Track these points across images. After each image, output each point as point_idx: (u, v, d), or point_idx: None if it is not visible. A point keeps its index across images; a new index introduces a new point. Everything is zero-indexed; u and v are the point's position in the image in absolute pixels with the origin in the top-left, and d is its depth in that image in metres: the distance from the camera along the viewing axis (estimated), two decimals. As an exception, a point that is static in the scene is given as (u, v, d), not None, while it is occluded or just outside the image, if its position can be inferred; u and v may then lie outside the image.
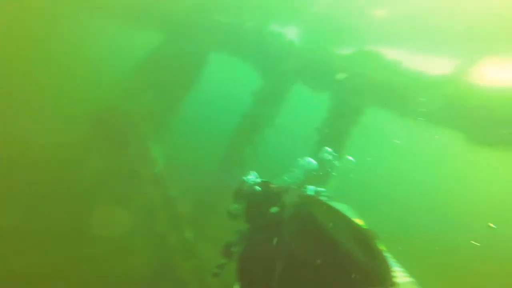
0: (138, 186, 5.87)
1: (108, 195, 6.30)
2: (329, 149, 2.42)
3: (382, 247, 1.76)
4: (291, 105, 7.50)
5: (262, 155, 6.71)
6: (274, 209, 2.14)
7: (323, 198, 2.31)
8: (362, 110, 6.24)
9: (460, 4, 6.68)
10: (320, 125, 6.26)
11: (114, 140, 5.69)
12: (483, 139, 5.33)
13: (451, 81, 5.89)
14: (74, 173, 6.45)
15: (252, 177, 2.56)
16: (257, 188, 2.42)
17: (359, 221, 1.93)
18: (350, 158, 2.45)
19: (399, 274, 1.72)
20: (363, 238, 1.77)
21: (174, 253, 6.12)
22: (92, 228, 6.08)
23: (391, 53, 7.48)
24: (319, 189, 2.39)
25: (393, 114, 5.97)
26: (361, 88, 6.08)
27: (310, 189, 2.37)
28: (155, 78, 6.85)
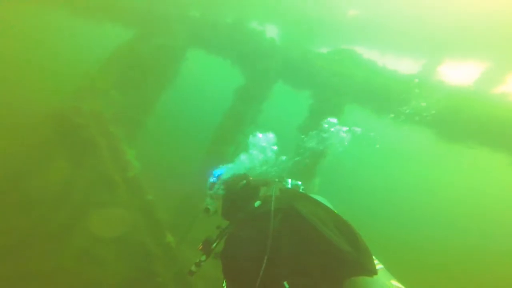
0: (111, 192, 5.44)
1: (77, 203, 5.80)
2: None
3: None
4: (273, 104, 7.46)
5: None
6: (257, 203, 2.13)
7: (301, 190, 2.33)
8: (342, 108, 6.37)
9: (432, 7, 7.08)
10: (301, 123, 6.30)
11: (80, 142, 5.16)
12: (454, 138, 5.74)
13: (425, 82, 6.24)
14: (33, 180, 5.83)
15: (224, 170, 2.49)
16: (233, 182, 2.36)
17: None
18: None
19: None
20: (346, 228, 1.81)
21: (155, 260, 5.84)
22: (62, 238, 5.60)
23: (367, 52, 7.78)
24: (296, 182, 2.42)
25: (371, 112, 6.19)
26: (341, 87, 6.20)
27: (289, 182, 2.38)
28: (127, 75, 6.36)
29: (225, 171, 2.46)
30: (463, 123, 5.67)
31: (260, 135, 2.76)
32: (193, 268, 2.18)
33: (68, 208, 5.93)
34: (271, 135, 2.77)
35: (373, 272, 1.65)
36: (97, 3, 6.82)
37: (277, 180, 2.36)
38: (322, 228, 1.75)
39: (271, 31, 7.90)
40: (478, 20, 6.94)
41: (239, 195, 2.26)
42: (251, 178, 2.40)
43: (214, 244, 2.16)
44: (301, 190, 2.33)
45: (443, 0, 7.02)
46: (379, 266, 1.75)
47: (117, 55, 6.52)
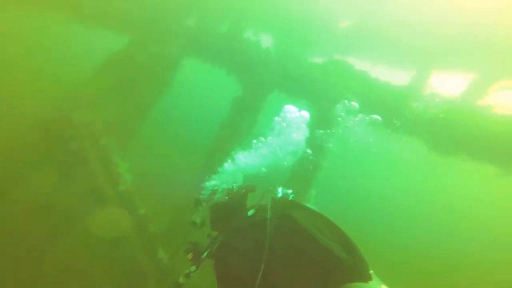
0: (101, 206, 5.17)
1: (66, 217, 5.47)
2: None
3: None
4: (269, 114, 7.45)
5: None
6: (250, 212, 2.14)
7: (291, 198, 2.36)
8: (336, 119, 6.42)
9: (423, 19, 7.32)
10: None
11: (69, 154, 4.90)
12: (443, 148, 5.88)
13: (413, 93, 6.40)
14: (15, 192, 5.46)
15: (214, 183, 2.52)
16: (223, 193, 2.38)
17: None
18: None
19: None
20: (342, 236, 1.84)
21: (147, 276, 5.57)
22: (45, 252, 5.25)
23: (359, 63, 7.95)
24: (287, 191, 2.44)
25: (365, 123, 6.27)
26: (336, 97, 6.26)
27: (279, 191, 2.41)
28: (120, 83, 6.15)
29: (213, 183, 2.45)
30: (452, 134, 5.83)
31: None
32: (181, 280, 2.12)
33: (52, 221, 5.59)
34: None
35: (368, 278, 1.68)
36: (92, 9, 6.62)
37: (270, 188, 2.36)
38: (318, 236, 1.76)
39: (266, 41, 7.94)
40: (464, 32, 7.27)
41: (228, 205, 2.25)
42: (238, 188, 2.40)
43: (205, 254, 2.14)
44: (291, 199, 2.35)
45: (432, 13, 7.29)
46: (370, 271, 1.77)
47: (111, 63, 6.33)
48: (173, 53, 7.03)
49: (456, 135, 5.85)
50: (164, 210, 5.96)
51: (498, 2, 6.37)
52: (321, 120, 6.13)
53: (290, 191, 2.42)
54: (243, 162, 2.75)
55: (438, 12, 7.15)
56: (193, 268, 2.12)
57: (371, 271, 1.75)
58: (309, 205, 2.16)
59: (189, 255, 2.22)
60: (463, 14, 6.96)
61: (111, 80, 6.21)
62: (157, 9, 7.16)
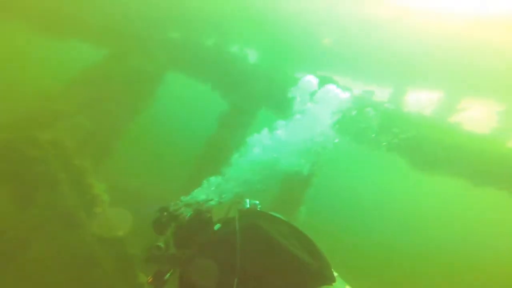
0: (76, 231, 4.73)
1: (37, 247, 4.92)
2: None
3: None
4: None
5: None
6: (217, 226, 2.13)
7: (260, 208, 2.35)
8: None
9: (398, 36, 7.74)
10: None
11: (33, 178, 4.42)
12: (425, 165, 6.18)
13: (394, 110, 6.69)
14: None
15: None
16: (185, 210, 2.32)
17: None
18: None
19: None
20: (306, 241, 1.91)
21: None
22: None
23: (341, 80, 8.25)
24: (254, 201, 2.45)
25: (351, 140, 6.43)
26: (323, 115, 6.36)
27: (247, 202, 2.41)
28: (96, 98, 5.78)
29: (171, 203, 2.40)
30: (429, 150, 6.16)
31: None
32: None
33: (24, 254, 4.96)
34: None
35: (332, 280, 1.77)
36: (66, 19, 6.22)
37: (236, 200, 2.36)
38: (284, 242, 1.81)
39: (252, 56, 7.97)
40: (433, 52, 7.86)
41: (192, 223, 2.20)
42: (201, 205, 2.35)
43: (168, 275, 2.06)
44: (258, 209, 2.35)
45: (408, 30, 7.74)
46: (335, 274, 1.85)
47: (86, 75, 5.94)
48: (155, 67, 6.79)
49: (431, 151, 6.18)
50: (144, 230, 5.58)
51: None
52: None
53: (257, 202, 2.43)
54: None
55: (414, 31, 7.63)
56: None
57: (335, 274, 1.83)
58: (275, 213, 2.19)
59: (149, 278, 2.11)
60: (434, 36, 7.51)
61: (86, 94, 5.82)
62: (138, 21, 6.91)
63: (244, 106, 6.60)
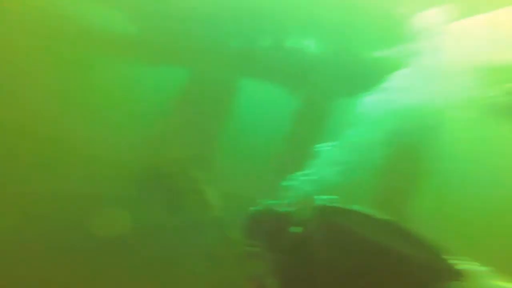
0: (201, 235, 5.43)
1: (169, 248, 5.88)
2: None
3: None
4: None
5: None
6: (293, 228, 1.96)
7: (338, 205, 2.08)
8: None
9: None
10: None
11: (170, 191, 5.30)
12: None
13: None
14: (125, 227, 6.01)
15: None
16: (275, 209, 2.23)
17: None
18: None
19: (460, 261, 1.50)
20: (407, 233, 1.60)
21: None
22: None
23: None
24: (330, 197, 2.18)
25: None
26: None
27: (321, 199, 2.16)
28: (190, 116, 6.51)
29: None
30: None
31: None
32: None
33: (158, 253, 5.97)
34: None
35: (457, 274, 1.40)
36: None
37: (306, 201, 2.18)
38: (381, 240, 1.54)
39: (314, 44, 7.77)
40: None
41: (266, 227, 2.07)
42: (272, 205, 2.24)
43: (268, 279, 1.95)
44: (337, 205, 2.07)
45: None
46: (473, 267, 1.49)
47: (177, 99, 6.74)
48: (228, 76, 7.26)
49: None
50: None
51: None
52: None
53: (334, 197, 2.17)
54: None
55: None
56: None
57: (476, 267, 1.46)
58: (359, 208, 1.92)
59: (250, 284, 2.03)
60: None
61: (180, 115, 6.62)
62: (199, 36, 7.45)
63: (318, 98, 6.50)
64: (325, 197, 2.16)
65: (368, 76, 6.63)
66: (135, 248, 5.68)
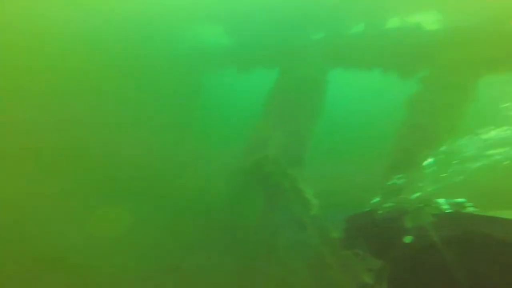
0: (300, 233, 5.58)
1: (268, 242, 6.35)
2: None
3: None
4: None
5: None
6: (407, 238, 1.79)
7: (470, 210, 1.78)
8: None
9: None
10: None
11: (270, 188, 5.72)
12: None
13: None
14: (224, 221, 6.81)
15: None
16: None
17: None
18: None
19: None
20: None
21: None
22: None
23: None
24: (457, 200, 1.85)
25: None
26: None
27: (444, 202, 1.85)
28: (284, 115, 6.76)
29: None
30: None
31: None
32: None
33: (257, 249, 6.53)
34: None
35: None
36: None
37: (421, 205, 1.89)
38: None
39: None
40: None
41: (377, 231, 1.98)
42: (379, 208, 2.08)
43: None
44: (467, 210, 1.76)
45: None
46: None
47: (270, 98, 7.13)
48: (316, 70, 7.04)
49: None
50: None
51: None
52: None
53: (462, 199, 1.81)
54: None
55: None
56: None
57: None
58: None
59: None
60: None
61: (275, 114, 6.96)
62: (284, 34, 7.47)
63: (443, 83, 5.29)
64: (453, 200, 1.88)
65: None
66: (234, 243, 6.25)
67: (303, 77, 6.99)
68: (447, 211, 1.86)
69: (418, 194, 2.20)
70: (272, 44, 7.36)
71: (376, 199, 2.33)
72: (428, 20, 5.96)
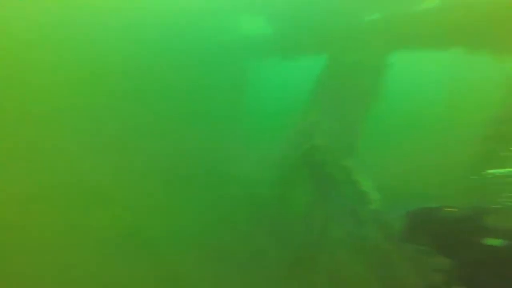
0: (356, 227, 5.22)
1: (319, 233, 6.12)
2: None
3: None
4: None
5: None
6: (491, 241, 1.61)
7: None
8: None
9: None
10: None
11: (321, 178, 5.44)
12: None
13: None
14: (274, 209, 6.76)
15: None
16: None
17: None
18: None
19: None
20: None
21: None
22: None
23: None
24: None
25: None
26: None
27: None
28: (334, 102, 6.35)
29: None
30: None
31: None
32: None
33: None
34: None
35: None
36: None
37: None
38: None
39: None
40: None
41: (449, 229, 1.82)
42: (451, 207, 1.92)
43: None
44: None
45: None
46: None
47: (318, 84, 6.75)
48: (375, 54, 6.40)
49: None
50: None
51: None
52: None
53: None
54: None
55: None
56: None
57: None
58: None
59: None
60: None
61: (323, 100, 6.58)
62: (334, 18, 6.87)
63: None
64: None
65: None
66: (283, 233, 6.16)
67: (356, 61, 6.44)
68: None
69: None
70: (319, 29, 6.91)
71: (451, 195, 2.32)
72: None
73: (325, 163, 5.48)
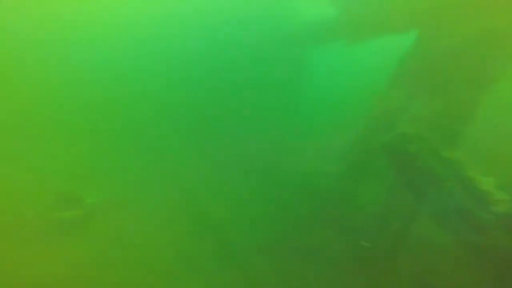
0: (472, 231, 4.10)
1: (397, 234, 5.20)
2: None
3: None
4: None
5: None
6: None
7: None
8: None
9: None
10: None
11: (415, 172, 4.47)
12: None
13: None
14: (342, 202, 6.10)
15: None
16: None
17: None
18: None
19: None
20: None
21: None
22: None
23: None
24: None
25: None
26: None
27: None
28: (427, 85, 5.34)
29: None
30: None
31: None
32: None
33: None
34: None
35: None
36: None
37: None
38: None
39: None
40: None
41: None
42: None
43: None
44: None
45: None
46: None
47: (405, 66, 5.79)
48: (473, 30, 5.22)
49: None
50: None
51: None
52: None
53: None
54: None
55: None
56: None
57: None
58: None
59: None
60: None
61: (412, 85, 5.60)
62: None
63: None
64: None
65: None
66: (350, 229, 5.64)
67: (455, 39, 5.31)
68: None
69: None
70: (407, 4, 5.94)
71: None
72: None
73: (418, 155, 4.48)
